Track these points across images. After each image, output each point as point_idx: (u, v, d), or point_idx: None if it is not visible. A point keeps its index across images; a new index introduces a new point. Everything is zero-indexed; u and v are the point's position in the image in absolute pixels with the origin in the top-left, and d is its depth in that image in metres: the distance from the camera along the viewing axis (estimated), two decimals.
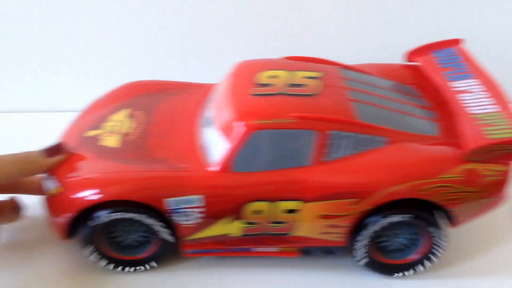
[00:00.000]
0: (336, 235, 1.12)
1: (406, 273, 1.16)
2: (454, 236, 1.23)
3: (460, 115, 1.16)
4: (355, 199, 1.07)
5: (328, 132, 1.08)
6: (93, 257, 1.13)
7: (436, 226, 1.10)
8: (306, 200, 1.09)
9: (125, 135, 1.21)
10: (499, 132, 1.07)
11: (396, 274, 1.16)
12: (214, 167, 1.10)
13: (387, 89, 1.26)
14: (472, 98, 1.19)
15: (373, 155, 1.09)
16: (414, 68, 1.36)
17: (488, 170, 1.06)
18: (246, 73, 1.21)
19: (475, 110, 1.15)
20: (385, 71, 1.37)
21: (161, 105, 1.32)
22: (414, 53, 1.38)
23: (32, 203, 1.25)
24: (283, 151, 1.08)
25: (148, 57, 1.71)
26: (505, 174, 1.07)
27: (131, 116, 1.27)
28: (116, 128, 1.23)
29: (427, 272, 1.16)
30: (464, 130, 1.11)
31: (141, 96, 1.36)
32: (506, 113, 1.12)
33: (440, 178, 1.06)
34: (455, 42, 1.38)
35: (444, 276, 1.17)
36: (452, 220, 1.11)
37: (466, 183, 1.06)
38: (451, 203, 1.07)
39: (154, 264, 1.15)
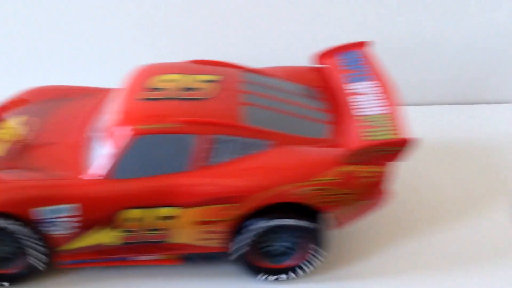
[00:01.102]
0: (216, 241, 1.08)
1: (287, 276, 1.13)
2: (338, 239, 1.21)
3: (348, 117, 1.13)
4: (231, 204, 1.04)
5: (211, 136, 1.05)
6: None
7: (316, 230, 1.07)
8: (182, 206, 1.05)
9: (15, 143, 1.18)
10: (378, 134, 1.04)
11: (276, 278, 1.12)
12: (92, 174, 1.06)
13: (288, 92, 1.24)
14: (364, 100, 1.17)
15: (253, 159, 1.07)
16: (321, 71, 1.34)
17: (364, 172, 1.03)
18: (141, 78, 1.19)
19: (364, 112, 1.13)
20: (293, 73, 1.34)
21: (58, 111, 1.29)
22: (322, 56, 1.37)
23: None
24: (166, 156, 1.06)
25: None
26: (381, 175, 1.04)
27: (25, 122, 1.24)
28: (6, 136, 1.20)
29: (310, 276, 1.14)
30: (347, 132, 1.09)
31: (42, 102, 1.33)
32: (392, 115, 1.09)
33: (316, 181, 1.03)
34: (361, 44, 1.36)
35: (327, 279, 1.15)
36: (334, 223, 1.08)
37: (342, 185, 1.03)
38: (328, 206, 1.05)
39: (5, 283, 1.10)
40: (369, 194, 1.06)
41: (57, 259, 1.11)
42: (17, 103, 1.36)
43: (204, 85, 1.14)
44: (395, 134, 1.03)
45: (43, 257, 1.10)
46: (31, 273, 1.12)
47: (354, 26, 1.62)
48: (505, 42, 1.66)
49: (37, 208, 1.04)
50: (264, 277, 1.12)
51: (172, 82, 1.15)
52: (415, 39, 1.65)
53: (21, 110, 1.32)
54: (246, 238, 1.08)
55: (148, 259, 1.13)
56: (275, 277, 1.12)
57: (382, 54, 1.36)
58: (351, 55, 1.35)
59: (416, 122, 1.13)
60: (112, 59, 1.72)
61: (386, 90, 1.18)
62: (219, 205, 1.04)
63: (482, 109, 1.68)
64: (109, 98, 1.24)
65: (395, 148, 1.01)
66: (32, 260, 1.10)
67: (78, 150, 1.15)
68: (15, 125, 1.26)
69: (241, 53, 1.64)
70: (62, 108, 1.31)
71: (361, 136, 1.04)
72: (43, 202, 1.04)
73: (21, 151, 1.16)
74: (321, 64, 1.36)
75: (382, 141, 1.01)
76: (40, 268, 1.12)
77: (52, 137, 1.20)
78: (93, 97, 1.34)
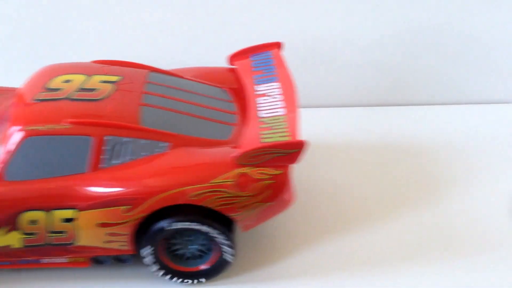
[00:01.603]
0: (119, 243, 1.09)
1: (197, 280, 1.13)
2: (249, 242, 1.23)
3: (250, 118, 1.14)
4: (128, 206, 1.04)
5: (105, 137, 1.04)
6: None
7: (222, 234, 1.08)
8: (81, 209, 1.05)
9: None
10: (274, 136, 1.06)
11: (186, 281, 1.13)
12: None
13: (195, 94, 1.24)
14: (266, 102, 1.19)
15: (149, 161, 1.07)
16: (233, 72, 1.35)
17: (261, 174, 1.04)
18: (41, 77, 1.18)
19: (264, 114, 1.14)
20: (205, 74, 1.35)
21: None
22: (235, 56, 1.38)
23: None
24: (60, 158, 1.05)
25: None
26: (279, 177, 1.05)
27: None
28: None
29: (218, 279, 1.15)
30: (244, 134, 1.10)
31: None
32: (288, 117, 1.11)
33: (212, 183, 1.03)
34: (274, 45, 1.37)
35: (236, 282, 1.15)
36: (239, 225, 1.09)
37: (238, 187, 1.04)
38: (228, 209, 1.05)
39: None
40: (268, 197, 1.06)
41: None
42: None
43: (101, 86, 1.15)
44: (290, 136, 1.04)
45: None
46: None
47: (270, 27, 1.64)
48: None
49: None
50: (168, 277, 1.13)
51: (70, 82, 1.15)
52: (330, 40, 1.66)
53: None
54: (150, 240, 1.08)
55: (55, 261, 1.13)
56: (180, 279, 1.13)
57: (295, 55, 1.37)
58: (262, 56, 1.36)
59: (328, 123, 1.13)
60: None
61: (288, 92, 1.20)
62: (116, 207, 1.04)
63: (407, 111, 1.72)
64: (10, 98, 1.22)
65: (290, 150, 1.03)
66: None
67: None
68: None
69: (157, 54, 1.63)
70: None
71: (258, 138, 1.05)
72: None
73: None
74: (233, 65, 1.37)
75: (277, 143, 1.03)
76: None
77: None
78: (3, 97, 1.32)
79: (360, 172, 1.43)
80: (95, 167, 1.04)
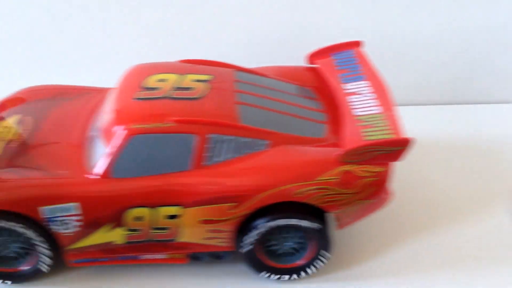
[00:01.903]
0: (221, 240, 1.10)
1: (295, 276, 1.15)
2: (341, 240, 1.23)
3: (345, 117, 1.15)
4: (234, 203, 1.05)
5: (208, 135, 1.06)
6: None
7: (320, 231, 1.09)
8: (186, 205, 1.07)
9: (9, 142, 1.18)
10: (377, 134, 1.07)
11: (283, 277, 1.15)
12: (93, 173, 1.07)
13: (281, 92, 1.26)
14: (359, 100, 1.19)
15: (252, 159, 1.08)
16: (314, 71, 1.36)
17: (365, 171, 1.06)
18: (136, 77, 1.20)
19: (360, 112, 1.15)
20: (286, 73, 1.36)
21: (54, 111, 1.29)
22: (315, 55, 1.38)
23: None
24: (163, 155, 1.07)
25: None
26: (382, 175, 1.07)
27: (19, 122, 1.24)
28: (1, 135, 1.20)
29: (312, 276, 1.16)
30: (344, 132, 1.11)
31: (37, 101, 1.33)
32: (388, 115, 1.12)
33: (317, 180, 1.05)
34: (355, 44, 1.38)
35: (329, 280, 1.17)
36: (337, 222, 1.10)
37: (342, 184, 1.05)
38: (330, 206, 1.07)
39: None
40: (370, 194, 1.08)
41: (65, 257, 1.13)
42: (13, 102, 1.36)
43: (196, 85, 1.16)
44: (394, 133, 1.05)
45: (49, 256, 1.12)
46: (37, 272, 1.13)
47: (347, 26, 1.64)
48: (502, 42, 1.68)
49: (42, 207, 1.05)
50: (267, 275, 1.14)
51: (165, 81, 1.16)
52: (408, 39, 1.67)
53: (16, 109, 1.31)
54: (250, 237, 1.09)
55: (154, 258, 1.15)
56: (277, 276, 1.14)
57: (374, 54, 1.37)
58: (344, 55, 1.37)
59: (411, 122, 1.15)
60: (108, 58, 1.72)
61: (380, 90, 1.21)
62: (221, 204, 1.06)
63: (481, 109, 1.72)
64: (106, 97, 1.24)
65: (394, 148, 1.04)
66: (38, 259, 1.11)
67: (77, 149, 1.16)
68: (9, 124, 1.25)
69: (234, 53, 1.65)
70: (58, 108, 1.31)
71: (361, 135, 1.06)
72: (47, 201, 1.06)
73: (18, 150, 1.16)
74: (313, 64, 1.38)
75: (382, 141, 1.04)
76: (44, 268, 1.13)
77: (49, 136, 1.21)
78: (89, 96, 1.35)
79: (449, 170, 1.43)
80: (198, 165, 1.06)
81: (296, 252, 1.15)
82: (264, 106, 1.17)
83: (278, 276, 1.15)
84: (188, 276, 1.18)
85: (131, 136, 1.06)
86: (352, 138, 1.07)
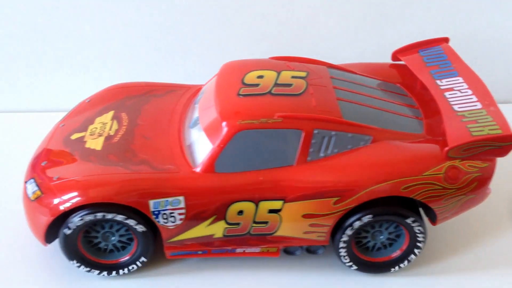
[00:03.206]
0: (318, 234, 1.11)
1: (392, 269, 1.15)
2: (437, 233, 1.23)
3: (445, 112, 1.15)
4: (338, 198, 1.06)
5: (313, 131, 1.07)
6: (75, 264, 1.12)
7: (418, 223, 1.09)
8: (289, 200, 1.08)
9: (108, 137, 1.20)
10: (483, 129, 1.06)
11: (383, 271, 1.15)
12: (197, 168, 1.09)
13: (373, 88, 1.26)
14: (456, 96, 1.19)
15: (357, 154, 1.09)
16: (401, 67, 1.36)
17: (471, 167, 1.05)
18: (233, 74, 1.21)
19: (460, 108, 1.15)
20: (372, 70, 1.36)
21: (146, 107, 1.31)
22: (401, 52, 1.38)
23: (12, 208, 1.25)
24: (268, 151, 1.08)
25: (142, 58, 1.71)
26: (487, 170, 1.07)
27: (115, 118, 1.27)
28: (99, 131, 1.23)
29: (410, 269, 1.16)
30: (448, 128, 1.10)
31: (126, 98, 1.36)
32: (490, 110, 1.11)
33: (424, 175, 1.05)
34: (442, 40, 1.38)
35: (432, 272, 1.17)
36: (435, 217, 1.10)
37: (448, 180, 1.05)
38: (434, 200, 1.07)
39: (135, 266, 1.13)
40: (473, 189, 1.08)
41: (165, 250, 1.15)
42: (103, 99, 1.38)
43: (295, 81, 1.17)
44: (502, 129, 1.05)
45: (151, 248, 1.14)
46: (139, 262, 1.16)
47: (428, 23, 1.63)
48: None
49: (151, 200, 1.07)
50: (363, 271, 1.15)
51: (264, 78, 1.17)
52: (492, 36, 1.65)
53: (108, 106, 1.34)
54: (350, 231, 1.10)
55: (248, 251, 1.16)
56: (374, 272, 1.15)
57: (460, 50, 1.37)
58: (432, 51, 1.36)
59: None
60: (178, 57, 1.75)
61: (477, 86, 1.20)
62: (325, 199, 1.07)
63: None
64: (200, 93, 1.26)
65: (503, 143, 1.03)
66: (140, 251, 1.14)
67: (177, 144, 1.17)
68: (105, 120, 1.28)
69: (318, 50, 1.65)
70: (150, 104, 1.33)
71: (467, 131, 1.06)
72: (156, 194, 1.07)
73: (119, 145, 1.18)
74: (399, 60, 1.37)
75: (491, 136, 1.04)
76: (145, 259, 1.15)
77: (147, 131, 1.23)
78: (176, 93, 1.37)
79: None
80: (304, 160, 1.07)
81: (388, 246, 1.16)
82: (362, 102, 1.18)
83: (370, 271, 1.16)
84: (280, 270, 1.19)
85: (236, 132, 1.07)
86: (458, 134, 1.06)
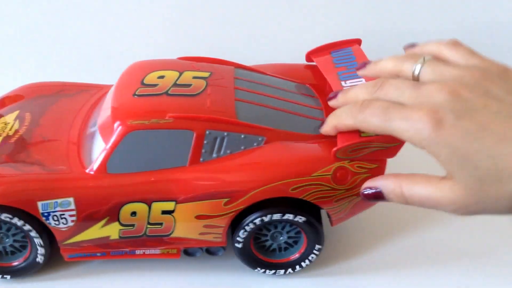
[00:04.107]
0: (214, 235, 1.11)
1: (288, 271, 1.15)
2: (334, 235, 1.24)
3: None
4: (228, 199, 1.06)
5: (205, 131, 1.06)
6: None
7: (312, 224, 1.09)
8: (181, 201, 1.07)
9: (6, 137, 1.19)
10: None
11: (279, 272, 1.15)
12: (88, 169, 1.08)
13: (280, 89, 1.26)
14: None
15: (248, 154, 1.09)
16: (313, 68, 1.36)
17: (359, 168, 1.06)
18: (135, 74, 1.20)
19: None
20: (285, 71, 1.36)
21: (52, 107, 1.30)
22: (314, 53, 1.38)
23: None
24: (160, 151, 1.07)
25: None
26: (376, 171, 1.06)
27: (17, 118, 1.25)
28: (0, 130, 1.21)
29: (307, 271, 1.17)
30: None
31: (36, 97, 1.34)
32: None
33: (312, 176, 1.05)
34: (354, 42, 1.38)
35: (326, 273, 1.18)
36: (330, 218, 1.10)
37: (337, 181, 1.05)
38: (324, 201, 1.07)
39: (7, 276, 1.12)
40: None
41: (61, 252, 1.13)
42: (12, 99, 1.37)
43: (195, 81, 1.16)
44: None
45: (46, 250, 1.12)
46: (33, 266, 1.14)
47: (342, 24, 1.64)
48: None
49: (39, 202, 1.06)
50: (262, 271, 1.14)
51: (164, 78, 1.17)
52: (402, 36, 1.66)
53: (15, 106, 1.32)
54: (244, 232, 1.10)
55: (148, 253, 1.15)
56: (273, 271, 1.15)
57: (371, 52, 1.37)
58: (342, 53, 1.36)
59: None
60: (108, 56, 1.73)
61: None
62: (216, 200, 1.06)
63: None
64: (105, 94, 1.24)
65: (388, 144, 1.04)
66: (35, 254, 1.12)
67: (75, 145, 1.16)
68: (7, 120, 1.26)
69: (235, 50, 1.65)
70: (58, 104, 1.32)
71: (357, 132, 1.06)
72: (44, 195, 1.06)
73: (16, 145, 1.17)
74: (312, 61, 1.38)
75: (377, 138, 1.03)
76: (41, 261, 1.13)
77: (47, 132, 1.21)
78: (89, 93, 1.36)
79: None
80: (196, 161, 1.06)
81: (289, 246, 1.16)
82: (261, 103, 1.17)
83: (274, 271, 1.15)
84: (181, 271, 1.19)
85: (128, 132, 1.06)
86: (347, 135, 1.06)
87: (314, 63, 1.37)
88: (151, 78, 1.16)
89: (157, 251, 1.15)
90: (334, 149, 1.05)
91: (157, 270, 1.19)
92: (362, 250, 1.22)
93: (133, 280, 1.16)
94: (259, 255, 1.14)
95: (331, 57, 1.36)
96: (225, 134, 1.07)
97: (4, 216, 1.06)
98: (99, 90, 1.34)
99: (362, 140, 1.04)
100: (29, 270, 1.13)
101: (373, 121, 0.85)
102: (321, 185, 1.05)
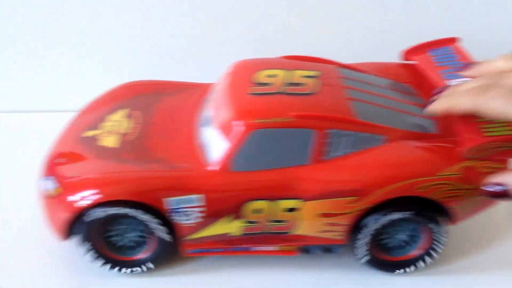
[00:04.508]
0: (336, 233, 1.12)
1: (407, 269, 1.16)
2: (453, 233, 1.24)
3: None
4: (355, 197, 1.07)
5: (327, 130, 1.08)
6: (89, 255, 1.13)
7: (436, 222, 1.10)
8: (305, 199, 1.09)
9: (124, 135, 1.21)
10: (498, 130, 1.07)
11: (398, 271, 1.16)
12: (213, 167, 1.10)
13: (384, 88, 1.27)
14: None
15: (372, 154, 1.10)
16: (411, 67, 1.36)
17: (486, 167, 1.06)
18: (244, 72, 1.21)
19: None
20: (382, 70, 1.37)
21: (159, 105, 1.32)
22: (411, 52, 1.39)
23: (28, 204, 1.25)
24: (282, 150, 1.09)
25: (148, 57, 1.72)
26: (500, 171, 1.06)
27: (129, 116, 1.27)
28: (114, 128, 1.23)
29: (427, 269, 1.17)
30: (462, 128, 1.11)
31: (139, 96, 1.36)
32: None
33: (439, 175, 1.06)
34: (451, 40, 1.38)
35: (443, 272, 1.18)
36: (452, 217, 1.11)
37: (464, 180, 1.06)
38: (450, 200, 1.08)
39: (151, 265, 1.14)
40: None
41: (180, 248, 1.15)
42: (114, 97, 1.39)
43: (306, 81, 1.17)
44: None
45: (169, 245, 1.15)
46: (157, 260, 1.17)
47: (435, 23, 1.64)
48: None
49: (166, 198, 1.08)
50: (402, 270, 1.16)
51: (275, 77, 1.18)
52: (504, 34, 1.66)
53: (121, 104, 1.34)
54: (368, 231, 1.11)
55: (266, 249, 1.17)
56: (402, 270, 1.16)
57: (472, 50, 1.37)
58: (443, 51, 1.37)
59: None
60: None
61: None
62: (342, 198, 1.07)
63: None
64: (212, 92, 1.26)
65: None
66: (159, 248, 1.15)
67: (192, 142, 1.18)
68: (120, 118, 1.28)
69: (328, 49, 1.66)
70: (162, 102, 1.34)
71: (480, 132, 1.07)
72: (171, 192, 1.09)
73: (135, 143, 1.19)
74: (409, 60, 1.38)
75: (504, 137, 1.05)
76: (165, 256, 1.16)
77: (161, 129, 1.23)
78: (190, 91, 1.37)
79: None
80: (317, 159, 1.08)
81: (409, 244, 1.17)
82: (373, 102, 1.18)
83: (403, 269, 1.17)
84: (296, 268, 1.20)
85: (251, 131, 1.07)
86: (473, 134, 1.07)
87: (408, 62, 1.37)
88: (261, 76, 1.18)
89: (275, 247, 1.16)
90: (462, 148, 1.06)
91: (273, 266, 1.20)
92: (481, 248, 1.23)
93: (251, 276, 1.18)
94: (377, 252, 1.15)
95: (430, 55, 1.37)
96: (346, 133, 1.08)
97: (131, 212, 1.08)
98: (199, 88, 1.36)
99: (491, 140, 1.05)
100: (155, 262, 1.16)
101: (495, 103, 0.85)
102: (448, 184, 1.06)
